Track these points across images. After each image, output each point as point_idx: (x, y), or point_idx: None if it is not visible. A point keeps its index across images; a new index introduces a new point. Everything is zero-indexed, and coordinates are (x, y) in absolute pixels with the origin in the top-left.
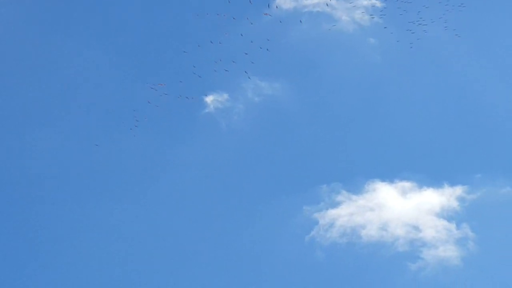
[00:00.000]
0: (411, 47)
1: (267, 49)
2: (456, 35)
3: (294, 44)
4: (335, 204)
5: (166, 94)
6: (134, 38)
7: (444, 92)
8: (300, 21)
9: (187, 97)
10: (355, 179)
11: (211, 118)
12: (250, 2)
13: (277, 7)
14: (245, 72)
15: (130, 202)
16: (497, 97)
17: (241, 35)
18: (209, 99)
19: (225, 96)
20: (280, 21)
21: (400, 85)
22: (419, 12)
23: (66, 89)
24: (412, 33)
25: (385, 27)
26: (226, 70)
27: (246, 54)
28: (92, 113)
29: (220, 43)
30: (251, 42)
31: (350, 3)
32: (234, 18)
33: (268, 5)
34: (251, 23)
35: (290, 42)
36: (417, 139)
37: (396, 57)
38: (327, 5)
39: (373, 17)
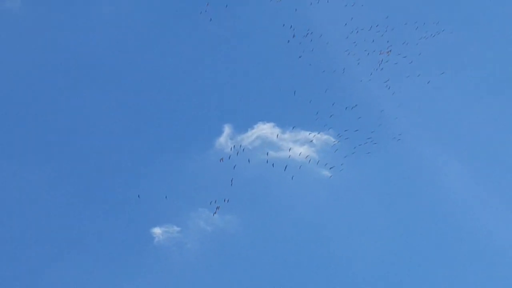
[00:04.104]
0: (364, 184)
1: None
2: None
3: (244, 177)
4: None
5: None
6: (74, 162)
7: (395, 231)
8: (248, 160)
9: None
10: None
11: (162, 249)
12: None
13: (220, 143)
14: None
15: None
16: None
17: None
18: (157, 231)
19: (176, 228)
20: (228, 156)
21: (350, 222)
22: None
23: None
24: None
25: (341, 163)
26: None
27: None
28: (33, 241)
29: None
30: (197, 177)
31: (299, 134)
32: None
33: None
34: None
35: (241, 175)
36: (366, 280)
37: (348, 192)
38: (277, 136)
39: (324, 151)
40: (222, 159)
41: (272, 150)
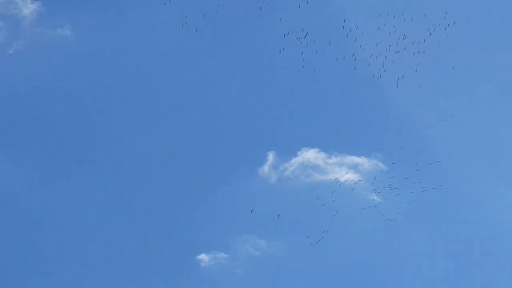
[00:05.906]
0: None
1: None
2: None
3: (291, 202)
4: None
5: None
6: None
7: (451, 260)
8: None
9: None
10: None
11: (210, 275)
12: None
13: (263, 170)
14: None
15: None
16: None
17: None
18: (203, 257)
19: (224, 255)
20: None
21: (400, 250)
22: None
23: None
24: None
25: (390, 188)
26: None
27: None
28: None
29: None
30: (241, 204)
31: (345, 158)
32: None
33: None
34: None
35: (287, 200)
36: None
37: (398, 219)
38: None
39: (372, 175)
40: None
41: (318, 175)
